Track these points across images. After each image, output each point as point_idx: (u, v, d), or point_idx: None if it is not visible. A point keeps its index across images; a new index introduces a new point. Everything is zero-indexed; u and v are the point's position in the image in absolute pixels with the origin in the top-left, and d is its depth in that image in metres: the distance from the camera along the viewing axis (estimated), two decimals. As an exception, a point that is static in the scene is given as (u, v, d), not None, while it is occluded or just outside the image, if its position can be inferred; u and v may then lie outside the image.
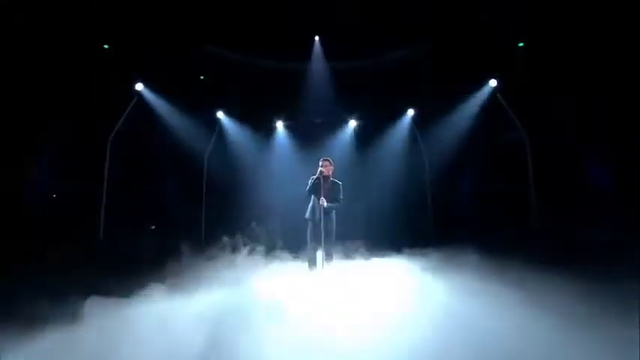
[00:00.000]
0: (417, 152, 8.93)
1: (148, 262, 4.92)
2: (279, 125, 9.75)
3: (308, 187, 4.86)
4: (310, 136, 9.36)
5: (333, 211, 4.86)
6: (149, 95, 7.67)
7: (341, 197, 4.91)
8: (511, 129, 7.52)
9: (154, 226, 8.33)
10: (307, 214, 4.90)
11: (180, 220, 8.29)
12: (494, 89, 7.43)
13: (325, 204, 4.71)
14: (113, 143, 7.30)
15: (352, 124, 9.48)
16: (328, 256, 4.74)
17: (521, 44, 7.11)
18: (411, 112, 8.91)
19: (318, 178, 4.81)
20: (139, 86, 7.60)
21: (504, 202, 7.56)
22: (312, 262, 4.79)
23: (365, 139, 9.21)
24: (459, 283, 3.60)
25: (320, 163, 4.90)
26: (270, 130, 9.67)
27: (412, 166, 8.90)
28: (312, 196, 4.89)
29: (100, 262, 5.58)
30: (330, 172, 4.92)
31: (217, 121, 9.07)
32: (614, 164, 6.23)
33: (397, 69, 8.12)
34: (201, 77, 8.27)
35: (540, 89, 6.91)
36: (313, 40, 8.27)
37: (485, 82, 7.59)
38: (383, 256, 5.75)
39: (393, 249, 6.16)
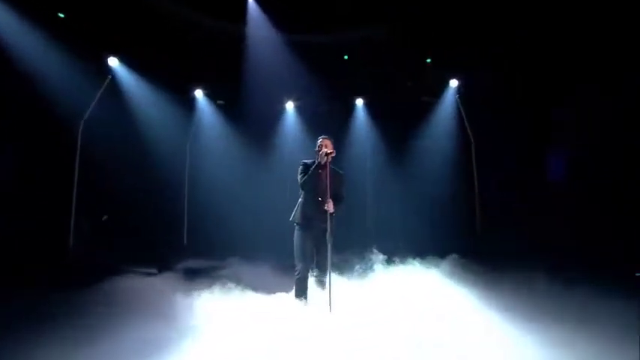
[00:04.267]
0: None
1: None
2: (199, 94, 7.45)
3: (304, 179, 3.21)
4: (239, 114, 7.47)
5: (334, 215, 3.35)
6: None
7: (344, 193, 3.43)
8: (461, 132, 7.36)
9: None
10: (296, 217, 3.26)
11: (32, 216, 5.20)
12: (456, 90, 7.09)
13: (331, 208, 3.15)
14: None
15: (290, 105, 7.96)
16: (324, 279, 3.22)
17: (428, 60, 6.92)
18: (360, 101, 7.95)
19: (320, 166, 3.22)
20: None
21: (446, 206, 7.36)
22: (303, 291, 3.18)
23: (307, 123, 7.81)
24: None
25: (320, 142, 3.28)
26: (187, 97, 7.29)
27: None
28: (305, 192, 3.29)
29: None
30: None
31: (108, 70, 6.14)
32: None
33: (350, 49, 7.08)
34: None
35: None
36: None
37: (444, 79, 7.19)
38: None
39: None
